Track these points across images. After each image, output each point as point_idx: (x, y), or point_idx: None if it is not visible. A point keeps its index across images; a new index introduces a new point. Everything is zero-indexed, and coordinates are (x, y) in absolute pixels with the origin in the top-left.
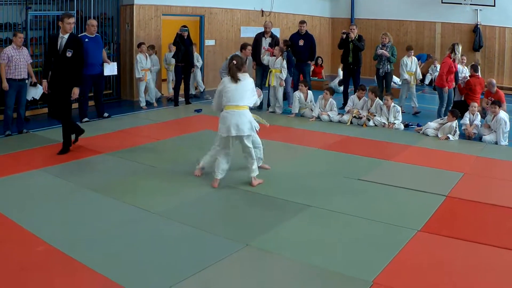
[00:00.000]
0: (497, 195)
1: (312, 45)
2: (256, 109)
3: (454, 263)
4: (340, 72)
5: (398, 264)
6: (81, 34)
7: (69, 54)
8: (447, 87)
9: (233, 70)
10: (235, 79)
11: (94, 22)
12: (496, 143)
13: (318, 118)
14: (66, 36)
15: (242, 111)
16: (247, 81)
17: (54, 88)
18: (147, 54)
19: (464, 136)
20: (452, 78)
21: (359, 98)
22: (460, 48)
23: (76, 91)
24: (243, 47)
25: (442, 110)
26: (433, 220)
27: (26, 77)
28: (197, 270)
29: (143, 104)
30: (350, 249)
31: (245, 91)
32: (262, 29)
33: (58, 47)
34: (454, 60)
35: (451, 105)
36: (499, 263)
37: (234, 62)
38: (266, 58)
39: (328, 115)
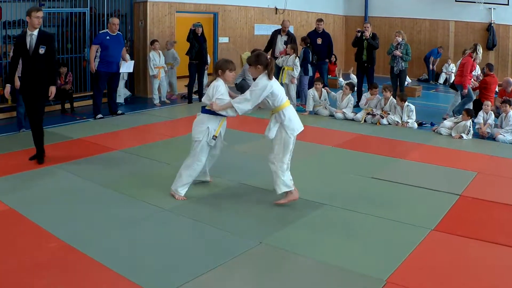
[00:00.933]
0: (511, 195)
1: (329, 43)
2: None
3: (468, 263)
4: (352, 76)
5: (411, 263)
6: (103, 31)
7: (42, 50)
8: (469, 86)
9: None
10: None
11: (116, 20)
12: (509, 142)
13: (332, 115)
14: (35, 32)
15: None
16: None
17: (27, 89)
18: (160, 52)
19: (478, 135)
20: (471, 77)
21: (372, 96)
22: (481, 49)
23: (53, 90)
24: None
25: (470, 104)
26: (446, 219)
27: None
28: (210, 267)
29: (156, 101)
30: (363, 247)
31: None
32: (276, 27)
33: (28, 46)
34: (474, 60)
35: (466, 104)
36: None
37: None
38: (280, 61)
39: (343, 113)
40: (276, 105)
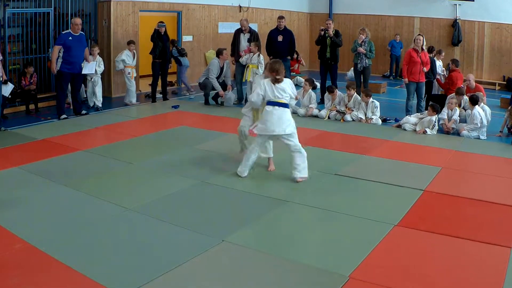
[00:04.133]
0: (474, 189)
1: (291, 40)
2: (236, 105)
3: (431, 257)
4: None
5: (375, 259)
6: (65, 32)
7: None
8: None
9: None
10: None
11: (78, 21)
12: (474, 137)
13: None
14: None
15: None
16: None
17: None
18: (134, 52)
19: (442, 130)
20: (416, 71)
21: (333, 99)
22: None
23: None
24: (220, 52)
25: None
26: (410, 214)
27: (0, 74)
28: (173, 266)
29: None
30: (326, 244)
31: None
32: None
33: None
34: (417, 51)
35: (423, 100)
36: (475, 257)
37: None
38: (244, 59)
39: (318, 110)
40: None
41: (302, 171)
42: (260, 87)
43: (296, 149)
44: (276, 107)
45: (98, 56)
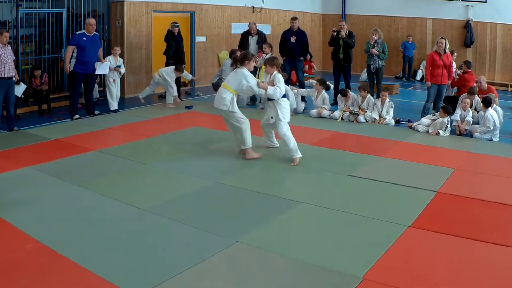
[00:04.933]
0: (488, 191)
1: (304, 41)
2: (249, 106)
3: (444, 259)
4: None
5: (388, 260)
6: (79, 32)
7: None
8: (429, 82)
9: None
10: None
11: (93, 21)
12: (486, 139)
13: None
14: None
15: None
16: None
17: None
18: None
19: (455, 132)
20: (438, 73)
21: (346, 102)
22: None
23: None
24: (233, 53)
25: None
26: (423, 216)
27: (13, 74)
28: (186, 266)
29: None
30: (340, 245)
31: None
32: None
33: None
34: (439, 54)
35: (441, 101)
36: (489, 259)
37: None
38: (259, 62)
39: (331, 111)
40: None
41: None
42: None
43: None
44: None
45: (119, 57)
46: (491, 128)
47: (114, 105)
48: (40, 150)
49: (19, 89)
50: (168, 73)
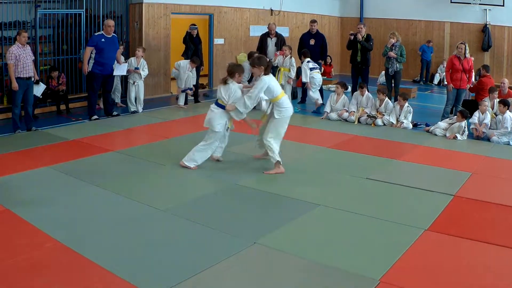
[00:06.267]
0: (505, 195)
1: (323, 44)
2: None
3: (462, 263)
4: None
5: (405, 263)
6: (98, 33)
7: None
8: (451, 85)
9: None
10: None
11: (111, 22)
12: (504, 143)
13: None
14: None
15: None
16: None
17: None
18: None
19: (472, 136)
20: (457, 77)
21: (362, 96)
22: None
23: None
24: (251, 56)
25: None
26: (440, 219)
27: (32, 75)
28: (205, 267)
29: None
30: (357, 247)
31: None
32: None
33: None
34: (459, 58)
35: (460, 105)
36: (506, 263)
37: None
38: (276, 61)
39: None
40: (273, 96)
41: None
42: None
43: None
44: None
45: (142, 59)
46: (509, 129)
47: (132, 107)
48: (58, 150)
49: (39, 89)
50: (181, 65)
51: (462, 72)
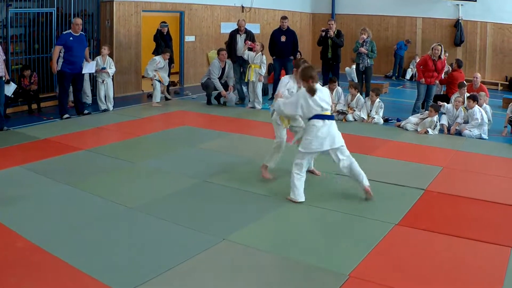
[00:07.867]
0: (475, 189)
1: (294, 40)
2: (238, 105)
3: (432, 257)
4: (348, 70)
5: (374, 257)
6: (66, 32)
7: None
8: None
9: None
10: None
11: (79, 21)
12: (476, 137)
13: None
14: None
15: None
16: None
17: None
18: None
19: (443, 131)
20: (428, 75)
21: (331, 91)
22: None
23: None
24: (217, 53)
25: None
26: (411, 214)
27: (3, 74)
28: (174, 264)
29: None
30: (327, 243)
31: None
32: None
33: None
34: (434, 61)
35: (431, 100)
36: (476, 256)
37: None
38: (246, 53)
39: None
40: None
41: (365, 177)
42: (298, 103)
43: (351, 159)
44: (326, 121)
45: (108, 57)
46: (479, 121)
47: (102, 105)
48: (29, 149)
49: (9, 89)
50: (159, 60)
51: (434, 72)
